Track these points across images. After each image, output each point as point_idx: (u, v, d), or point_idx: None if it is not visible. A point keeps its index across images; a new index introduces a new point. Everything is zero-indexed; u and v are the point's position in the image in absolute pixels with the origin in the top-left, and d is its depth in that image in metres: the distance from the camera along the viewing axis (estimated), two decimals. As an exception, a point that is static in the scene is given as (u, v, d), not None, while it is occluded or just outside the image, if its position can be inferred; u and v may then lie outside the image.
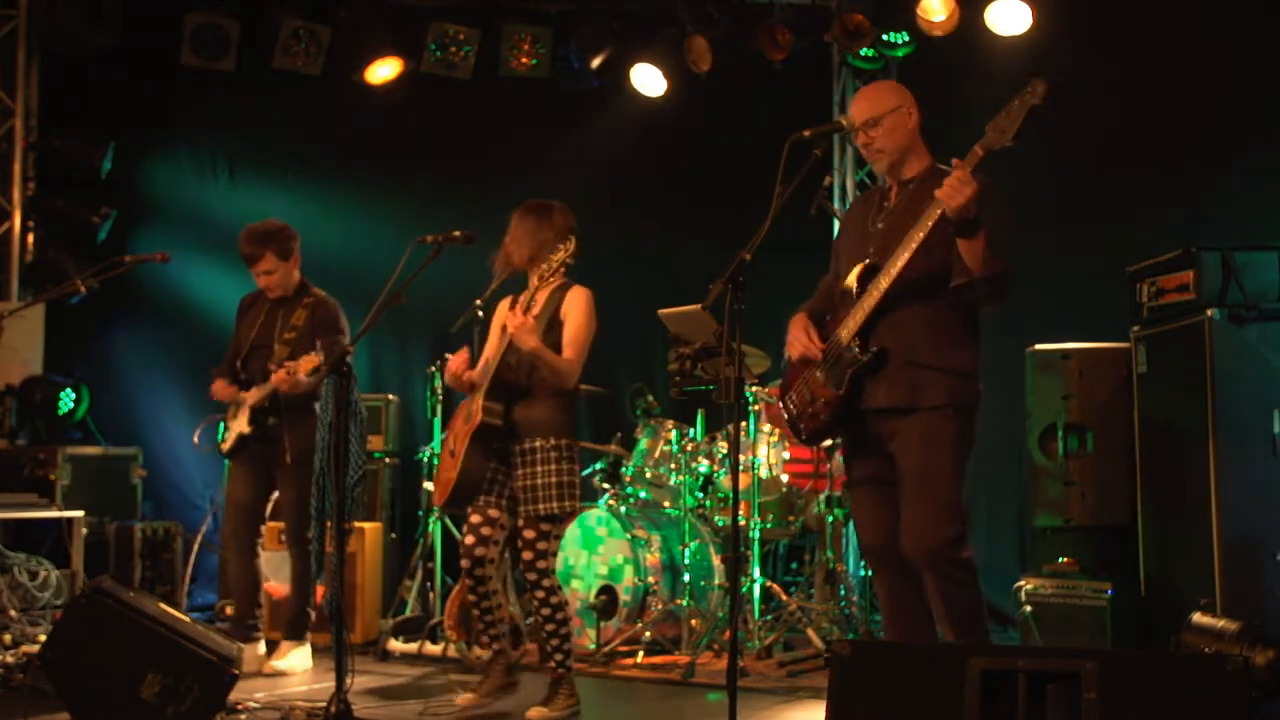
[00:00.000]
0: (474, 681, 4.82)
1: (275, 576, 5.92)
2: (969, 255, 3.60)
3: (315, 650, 5.70)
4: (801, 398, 3.96)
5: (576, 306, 4.59)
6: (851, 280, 3.85)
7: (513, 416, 4.53)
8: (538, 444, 4.51)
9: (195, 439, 6.10)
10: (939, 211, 3.59)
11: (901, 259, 3.68)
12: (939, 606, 3.77)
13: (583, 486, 6.85)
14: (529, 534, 4.49)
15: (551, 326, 4.55)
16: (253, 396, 5.47)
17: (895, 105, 3.90)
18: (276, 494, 5.68)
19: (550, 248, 4.49)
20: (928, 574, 3.75)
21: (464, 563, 4.56)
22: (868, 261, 3.83)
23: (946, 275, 3.69)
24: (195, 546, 6.61)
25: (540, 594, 4.51)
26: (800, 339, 3.94)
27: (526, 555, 4.49)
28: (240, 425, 5.50)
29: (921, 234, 3.63)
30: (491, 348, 4.66)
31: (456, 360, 4.61)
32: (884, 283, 3.72)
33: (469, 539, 4.56)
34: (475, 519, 4.57)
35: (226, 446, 5.58)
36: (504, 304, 4.78)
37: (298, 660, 5.47)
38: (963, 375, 3.81)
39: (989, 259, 3.59)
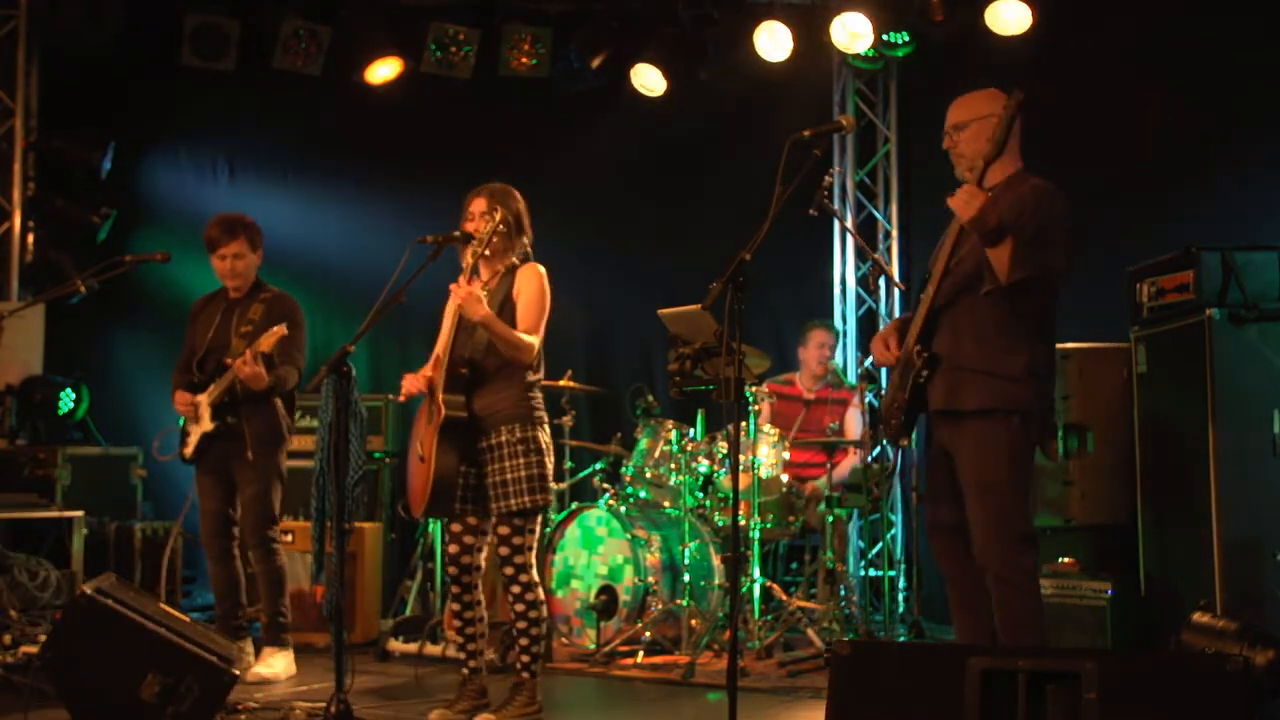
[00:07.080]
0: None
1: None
2: (995, 262, 3.70)
3: (315, 651, 5.68)
4: (886, 399, 4.16)
5: (529, 283, 4.48)
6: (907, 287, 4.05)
7: (475, 410, 4.40)
8: (504, 438, 4.39)
9: (155, 449, 5.99)
10: (959, 223, 3.71)
11: (938, 269, 3.83)
12: (996, 609, 3.84)
13: (583, 486, 6.91)
14: (503, 530, 4.40)
15: (505, 306, 4.44)
16: (213, 393, 5.30)
17: (985, 113, 3.90)
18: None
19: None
20: (987, 577, 3.84)
21: (450, 570, 4.51)
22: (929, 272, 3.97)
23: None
24: (169, 545, 6.49)
25: (516, 589, 4.41)
26: (877, 347, 4.15)
27: (502, 551, 4.41)
28: (203, 425, 5.34)
29: (950, 243, 3.78)
30: (443, 341, 4.51)
31: (411, 382, 4.49)
32: (930, 290, 3.87)
33: (452, 548, 4.50)
34: (456, 527, 4.49)
35: (189, 451, 5.40)
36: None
37: (280, 666, 5.30)
38: (1010, 379, 3.83)
39: (1012, 266, 3.67)
